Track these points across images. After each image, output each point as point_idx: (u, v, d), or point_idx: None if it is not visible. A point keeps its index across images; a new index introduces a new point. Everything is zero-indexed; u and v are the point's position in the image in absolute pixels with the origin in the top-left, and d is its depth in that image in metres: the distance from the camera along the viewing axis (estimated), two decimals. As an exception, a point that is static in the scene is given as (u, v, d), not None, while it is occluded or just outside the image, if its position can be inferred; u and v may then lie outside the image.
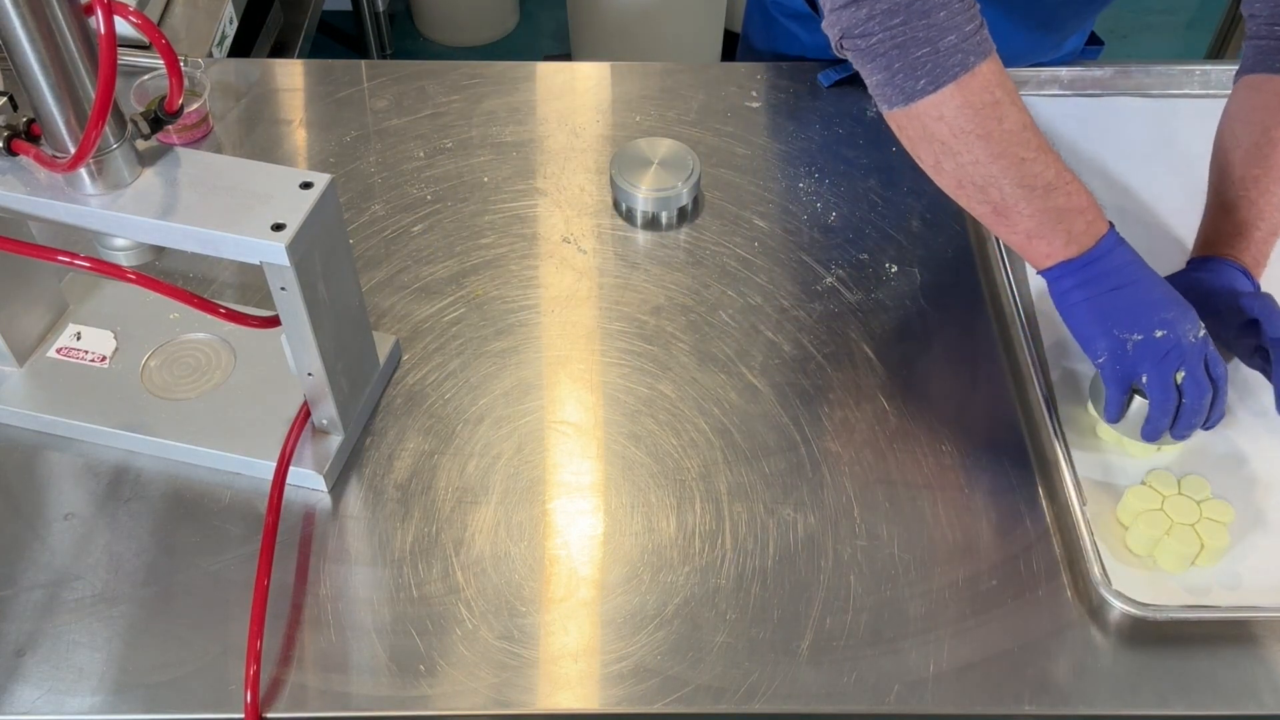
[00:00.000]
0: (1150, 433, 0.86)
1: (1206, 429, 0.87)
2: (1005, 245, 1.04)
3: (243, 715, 0.76)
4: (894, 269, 1.06)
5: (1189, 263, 0.97)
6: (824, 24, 0.87)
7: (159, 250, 0.80)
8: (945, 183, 0.87)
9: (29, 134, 0.73)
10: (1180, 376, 0.84)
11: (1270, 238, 0.95)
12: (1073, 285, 0.86)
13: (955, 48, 0.81)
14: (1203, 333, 0.85)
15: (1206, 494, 0.87)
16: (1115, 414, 0.87)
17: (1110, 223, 0.86)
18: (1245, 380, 0.96)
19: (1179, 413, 0.85)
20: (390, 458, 0.91)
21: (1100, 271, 0.85)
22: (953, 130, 0.82)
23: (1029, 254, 0.87)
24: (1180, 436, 0.87)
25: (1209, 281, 0.93)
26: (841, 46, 0.86)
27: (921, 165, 0.88)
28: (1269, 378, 0.90)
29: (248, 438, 0.89)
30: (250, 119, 1.19)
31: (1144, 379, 0.84)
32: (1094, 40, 1.32)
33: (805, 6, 1.24)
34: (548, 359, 0.98)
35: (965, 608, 0.83)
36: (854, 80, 1.23)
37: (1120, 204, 1.10)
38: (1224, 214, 0.96)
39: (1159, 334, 0.83)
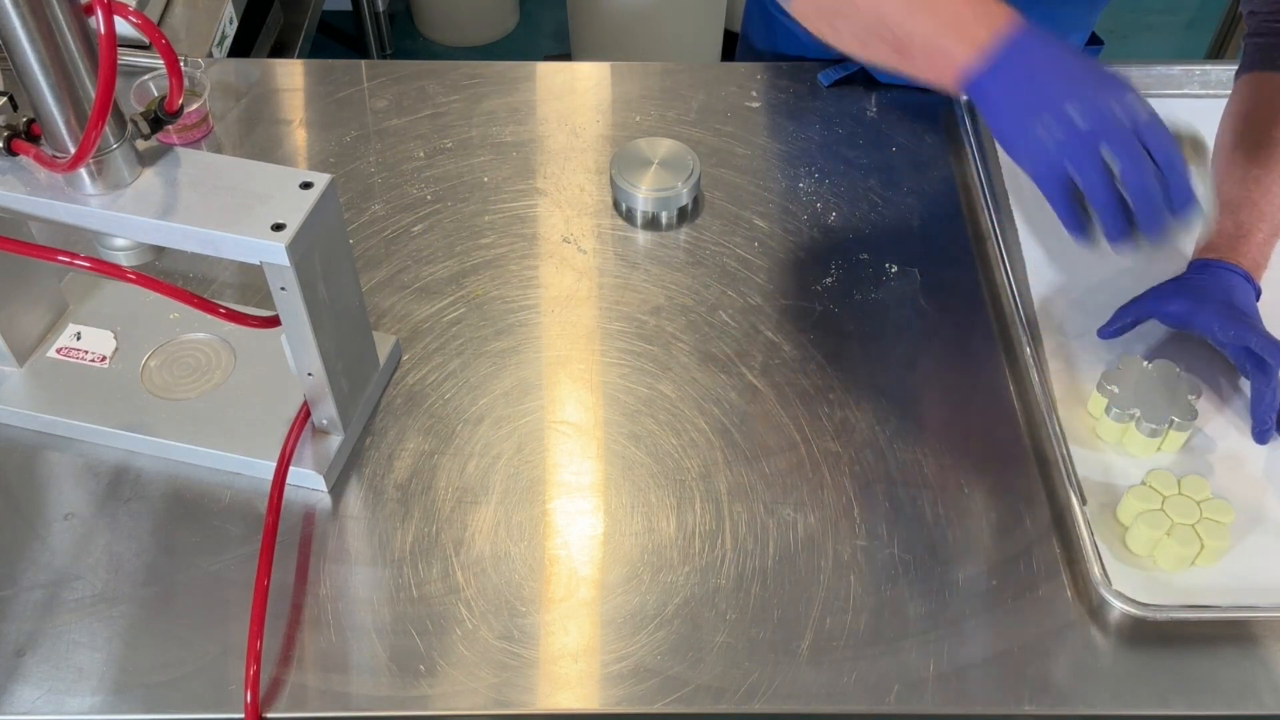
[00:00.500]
0: (1110, 233, 0.76)
1: (1177, 215, 0.76)
2: (1003, 241, 1.04)
3: (243, 715, 0.76)
4: (894, 269, 1.06)
5: (1190, 265, 0.97)
6: None
7: (159, 250, 0.81)
8: (852, 46, 0.84)
9: (29, 134, 0.73)
10: (1110, 158, 0.74)
11: (1271, 240, 0.95)
12: (988, 94, 0.77)
13: None
14: (1134, 104, 0.75)
15: (1206, 494, 0.87)
16: (1069, 223, 0.78)
17: (1014, 16, 0.78)
18: (1245, 380, 0.96)
19: (1131, 205, 0.75)
20: (390, 458, 0.91)
21: (1013, 66, 0.76)
22: None
23: (940, 80, 0.80)
24: (1150, 231, 0.76)
25: (1209, 286, 0.92)
26: None
27: (832, 42, 0.87)
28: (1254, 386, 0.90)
29: (248, 438, 0.89)
30: (250, 119, 1.19)
31: (1074, 174, 0.75)
32: (1094, 40, 1.32)
33: None
34: (548, 359, 0.98)
35: (965, 608, 0.83)
36: (854, 79, 1.23)
37: (1120, 204, 1.10)
38: (1225, 215, 0.94)
39: (1072, 110, 0.74)
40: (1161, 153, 0.75)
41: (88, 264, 0.76)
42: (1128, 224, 0.76)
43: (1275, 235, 0.95)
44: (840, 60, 1.23)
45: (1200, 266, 0.95)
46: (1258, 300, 0.93)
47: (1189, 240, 0.98)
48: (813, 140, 1.18)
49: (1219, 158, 0.99)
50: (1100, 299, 1.02)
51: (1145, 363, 0.93)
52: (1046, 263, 1.05)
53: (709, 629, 0.81)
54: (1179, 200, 0.75)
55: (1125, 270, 1.05)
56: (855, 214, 1.11)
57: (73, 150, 0.71)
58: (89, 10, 0.68)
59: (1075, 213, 0.78)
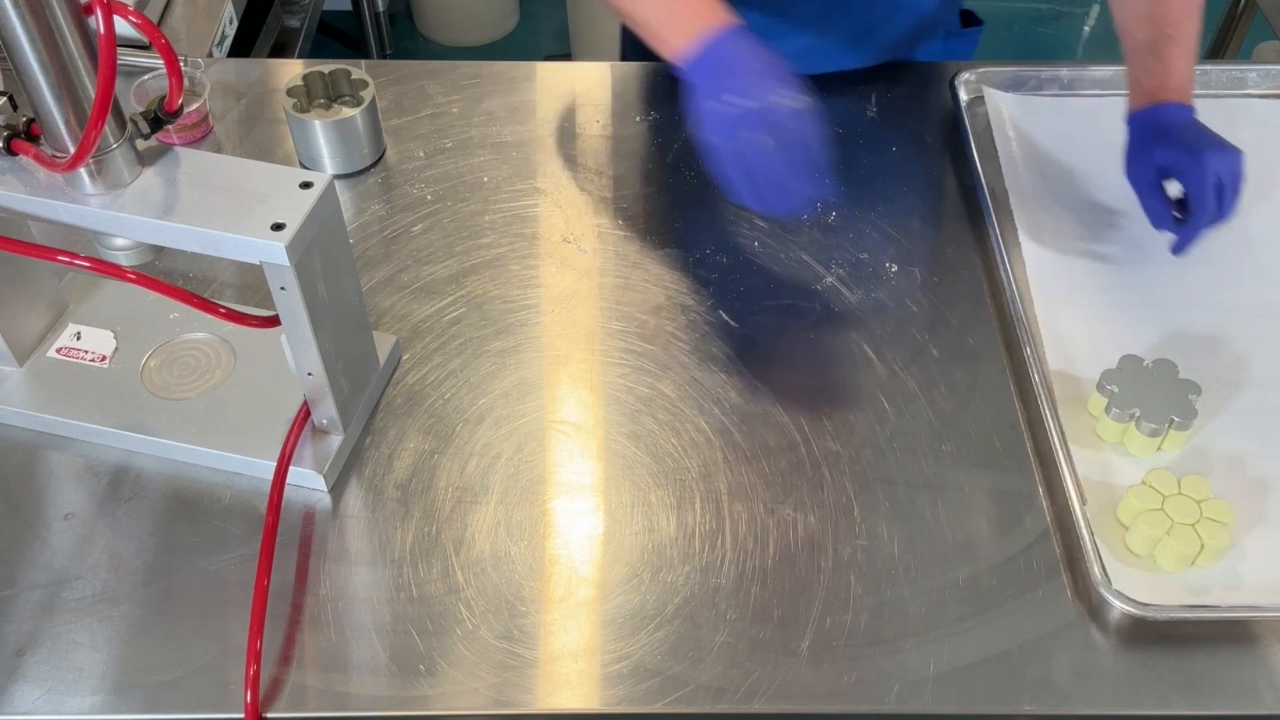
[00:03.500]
0: (756, 202, 0.90)
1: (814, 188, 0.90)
2: (1003, 242, 1.05)
3: (243, 715, 0.76)
4: (894, 269, 1.06)
5: (1136, 112, 1.03)
6: None
7: (159, 250, 0.81)
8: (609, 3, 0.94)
9: (29, 134, 0.73)
10: (751, 139, 0.88)
11: (1191, 64, 1.03)
12: (694, 80, 0.90)
13: None
14: (783, 99, 0.88)
15: (1206, 494, 0.87)
16: (732, 190, 0.91)
17: (726, 18, 0.90)
18: (1247, 379, 0.96)
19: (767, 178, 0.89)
20: (390, 458, 0.91)
21: (714, 60, 0.89)
22: None
23: (666, 56, 0.91)
24: (765, 207, 0.91)
25: (1163, 125, 1.01)
26: None
27: None
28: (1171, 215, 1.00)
29: (248, 438, 0.89)
30: (250, 119, 1.19)
31: (744, 143, 0.88)
32: (971, 21, 1.32)
33: (761, 20, 1.23)
34: (548, 359, 0.98)
35: (965, 608, 0.83)
36: (831, 87, 1.22)
37: (1120, 204, 1.10)
38: (1149, 57, 1.03)
39: (746, 101, 0.88)
40: (792, 123, 0.88)
41: (88, 264, 0.76)
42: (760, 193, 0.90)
43: (1192, 59, 1.03)
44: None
45: (1154, 110, 1.02)
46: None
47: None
48: (813, 140, 1.18)
49: (1125, 5, 1.05)
50: (1100, 299, 1.02)
51: (1145, 362, 0.93)
52: (1046, 263, 1.05)
53: (709, 629, 0.81)
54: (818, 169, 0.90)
55: (1124, 270, 1.05)
56: (855, 214, 1.10)
57: (73, 150, 0.71)
58: (89, 10, 0.68)
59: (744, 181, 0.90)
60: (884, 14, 1.18)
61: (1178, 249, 1.02)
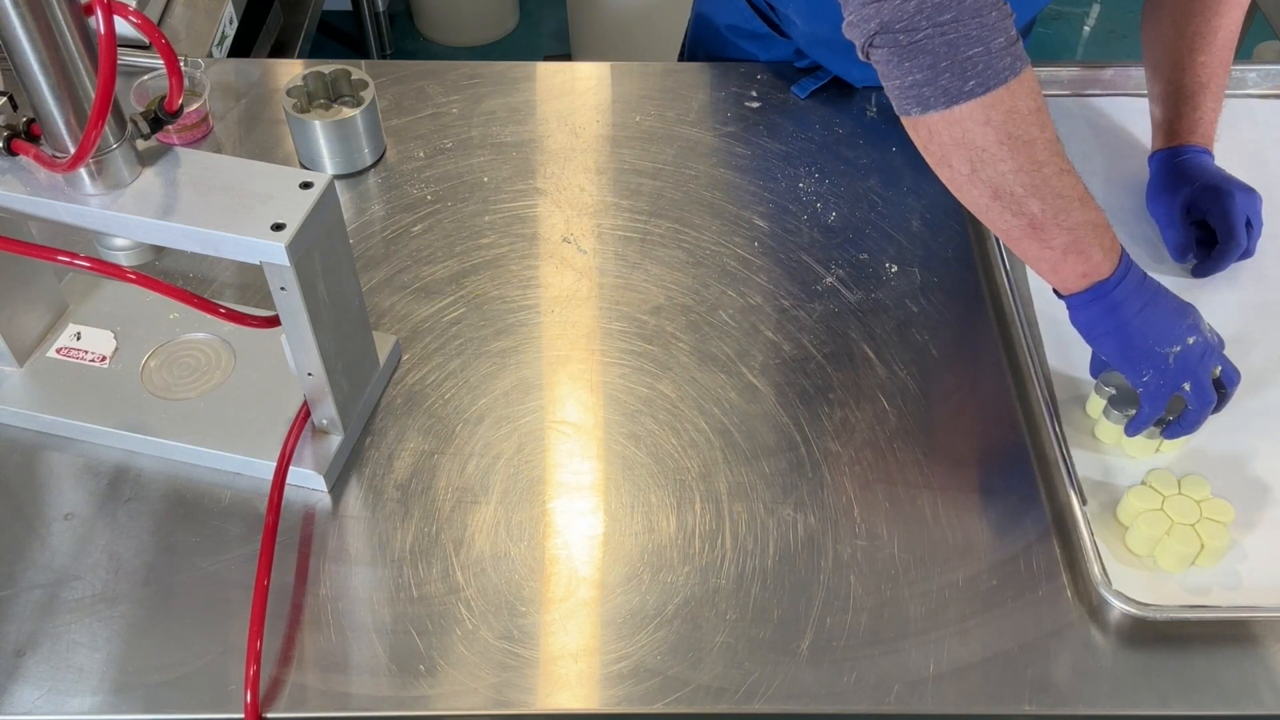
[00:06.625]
0: (1184, 431, 0.88)
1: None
2: (1007, 249, 1.05)
3: (243, 715, 0.76)
4: (894, 269, 1.06)
5: (1165, 151, 1.05)
6: (849, 20, 0.79)
7: (159, 250, 0.81)
8: (977, 194, 0.81)
9: (29, 134, 0.73)
10: (1218, 371, 0.87)
11: (1217, 110, 1.05)
12: (1102, 309, 0.84)
13: (1005, 50, 0.76)
14: (1207, 325, 0.87)
15: (1206, 494, 0.87)
16: (1141, 429, 0.89)
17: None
18: (1246, 379, 0.96)
19: (1192, 417, 0.88)
20: (390, 458, 0.91)
21: (1131, 288, 0.84)
22: (999, 136, 0.77)
23: (1062, 274, 0.84)
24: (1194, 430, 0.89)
25: (1191, 166, 1.03)
26: (874, 44, 0.79)
27: (947, 176, 0.82)
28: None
29: (248, 438, 0.89)
30: (250, 119, 1.19)
31: (1187, 387, 0.85)
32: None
33: (764, 27, 1.23)
34: (548, 359, 0.98)
35: (965, 608, 0.83)
36: (829, 88, 1.22)
37: (1121, 204, 1.10)
38: (1183, 100, 1.05)
39: (1192, 340, 0.85)
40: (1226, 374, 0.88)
41: (88, 264, 0.76)
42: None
43: (1219, 105, 1.05)
44: (813, 70, 1.22)
45: (1177, 151, 1.05)
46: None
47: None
48: (813, 140, 1.18)
49: (1156, 45, 1.06)
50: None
51: (1145, 363, 0.93)
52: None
53: (709, 629, 0.81)
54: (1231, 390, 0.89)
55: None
56: (855, 214, 1.11)
57: (73, 150, 0.71)
58: (89, 10, 0.68)
59: (1159, 414, 0.88)
60: None
61: (1197, 275, 1.05)
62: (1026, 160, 0.78)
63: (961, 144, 0.79)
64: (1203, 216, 1.03)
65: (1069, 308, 0.87)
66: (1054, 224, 0.81)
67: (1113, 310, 0.84)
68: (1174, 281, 1.04)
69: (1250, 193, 1.03)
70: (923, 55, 0.76)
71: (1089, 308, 0.85)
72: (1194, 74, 1.04)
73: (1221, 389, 0.88)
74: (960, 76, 0.76)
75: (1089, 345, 0.88)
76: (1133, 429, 0.89)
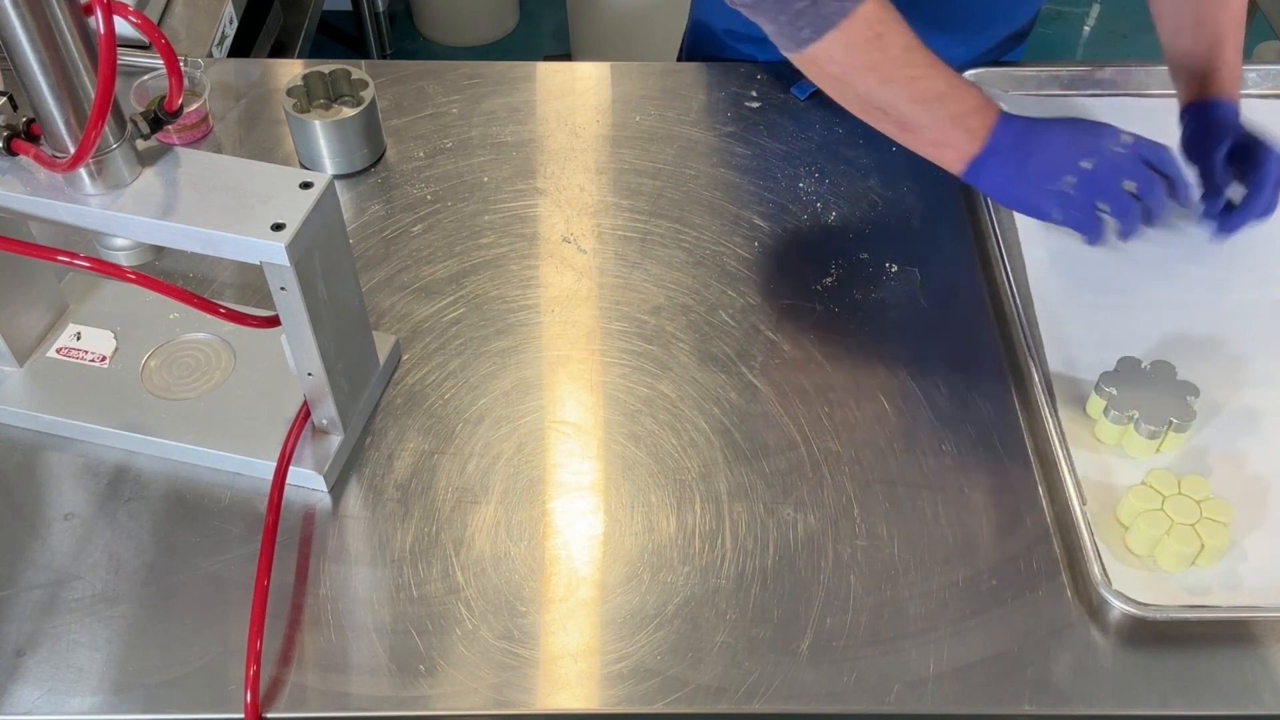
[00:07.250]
0: (1126, 235, 0.94)
1: (1181, 203, 0.96)
2: (1003, 241, 1.05)
3: (243, 715, 0.76)
4: (894, 269, 1.06)
5: (1198, 103, 1.05)
6: None
7: (159, 250, 0.81)
8: (853, 109, 0.95)
9: (29, 134, 0.73)
10: (1131, 186, 0.91)
11: (1239, 69, 1.07)
12: (993, 174, 0.93)
13: None
14: (1127, 138, 0.92)
15: (1206, 494, 0.87)
16: (1094, 238, 0.95)
17: (999, 107, 0.93)
18: (1246, 379, 0.96)
19: (1148, 213, 0.93)
20: (390, 458, 0.91)
21: (1009, 149, 0.92)
22: (843, 68, 0.91)
23: (942, 160, 0.95)
24: (1161, 223, 0.96)
25: (1225, 112, 1.04)
26: (734, 3, 0.92)
27: (831, 95, 0.96)
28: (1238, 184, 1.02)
29: (248, 438, 0.89)
30: (250, 119, 1.19)
31: (1105, 206, 0.92)
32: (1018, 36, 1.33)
33: (760, 30, 1.23)
34: (548, 359, 0.98)
35: (965, 608, 0.83)
36: None
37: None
38: (1213, 55, 1.06)
39: (1086, 165, 0.91)
40: (1159, 161, 0.93)
41: (88, 264, 0.76)
42: (1139, 223, 0.94)
43: (1240, 61, 1.07)
44: None
45: (1202, 104, 1.05)
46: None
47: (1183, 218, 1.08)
48: (813, 140, 1.18)
49: (1171, 14, 1.08)
50: (1099, 300, 1.02)
51: (1143, 364, 0.93)
52: (1046, 263, 1.05)
53: (709, 629, 0.81)
54: (1183, 195, 0.96)
55: (1123, 271, 1.05)
56: (855, 214, 1.11)
57: (73, 150, 0.71)
58: (89, 10, 0.68)
59: (1101, 230, 0.95)
60: (999, 12, 1.22)
61: (1222, 231, 1.05)
62: (876, 82, 0.91)
63: (822, 77, 0.94)
64: (1236, 168, 1.04)
65: (971, 184, 0.96)
66: (918, 124, 0.93)
67: (998, 174, 0.93)
68: (1161, 272, 1.04)
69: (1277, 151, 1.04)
70: (764, 12, 0.91)
71: (979, 181, 0.94)
72: (1217, 30, 1.06)
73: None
74: (795, 25, 0.90)
75: (1007, 209, 1.00)
76: (1093, 241, 0.96)
